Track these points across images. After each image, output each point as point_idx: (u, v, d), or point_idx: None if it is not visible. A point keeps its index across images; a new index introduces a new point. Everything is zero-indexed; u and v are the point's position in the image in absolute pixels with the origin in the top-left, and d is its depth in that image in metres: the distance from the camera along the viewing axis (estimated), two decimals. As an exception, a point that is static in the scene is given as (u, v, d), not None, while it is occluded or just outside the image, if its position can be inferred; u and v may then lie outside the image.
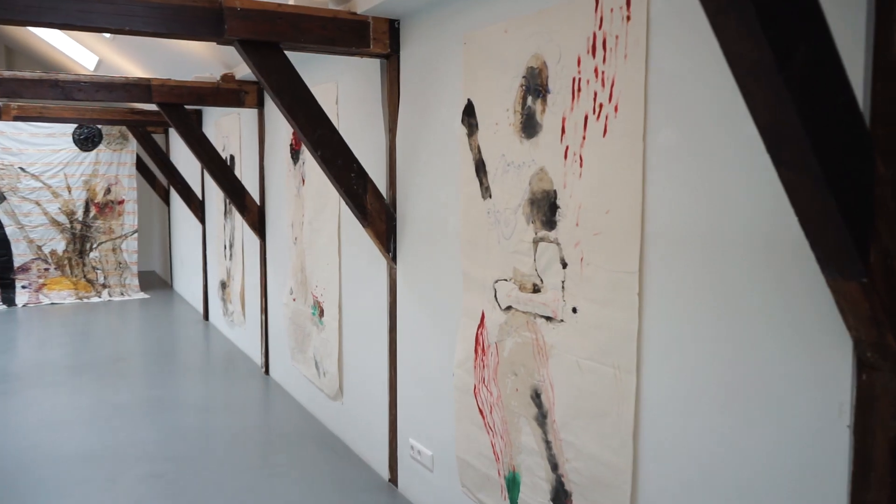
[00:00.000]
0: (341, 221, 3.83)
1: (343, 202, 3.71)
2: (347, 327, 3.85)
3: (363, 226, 3.18)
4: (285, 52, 2.91)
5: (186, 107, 5.04)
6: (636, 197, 1.88)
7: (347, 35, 2.96)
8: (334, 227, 3.88)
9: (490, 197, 2.50)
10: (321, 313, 4.15)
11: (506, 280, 2.44)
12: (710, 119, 1.70)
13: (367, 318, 3.58)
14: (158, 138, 8.64)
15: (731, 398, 1.68)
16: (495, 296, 2.50)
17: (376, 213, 3.17)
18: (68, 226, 8.46)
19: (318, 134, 2.99)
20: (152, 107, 6.33)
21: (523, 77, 2.29)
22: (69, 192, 8.42)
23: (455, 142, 2.70)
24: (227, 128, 5.98)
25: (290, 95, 2.92)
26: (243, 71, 4.73)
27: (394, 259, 3.24)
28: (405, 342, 3.22)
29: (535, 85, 2.24)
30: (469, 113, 2.59)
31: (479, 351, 2.60)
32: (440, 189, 2.84)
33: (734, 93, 1.62)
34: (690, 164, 1.75)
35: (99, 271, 8.63)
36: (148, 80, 4.65)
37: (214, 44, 4.68)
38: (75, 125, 8.15)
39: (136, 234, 8.82)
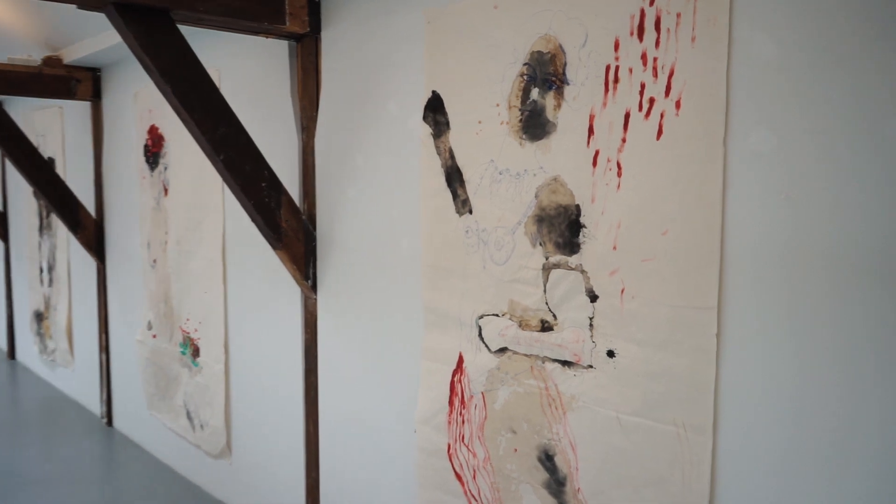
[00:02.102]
0: (227, 240, 3.12)
1: (228, 217, 3.04)
2: (238, 370, 3.15)
3: (275, 248, 2.54)
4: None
5: (-7, 97, 3.98)
6: (713, 215, 1.51)
7: (257, 7, 2.33)
8: (217, 247, 3.16)
9: (470, 213, 2.02)
10: (195, 353, 3.39)
11: (497, 315, 1.97)
12: (821, 118, 1.37)
13: (270, 360, 2.92)
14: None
15: (846, 465, 1.36)
16: (480, 334, 2.03)
17: (293, 232, 2.55)
18: None
19: (220, 132, 2.32)
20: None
21: (525, 64, 1.84)
22: None
23: (412, 144, 2.19)
24: (43, 125, 4.87)
25: (185, 81, 2.23)
26: (75, 54, 3.81)
27: (313, 288, 2.63)
28: (331, 390, 2.62)
29: (545, 74, 1.80)
30: (435, 108, 2.10)
31: (457, 403, 2.11)
32: (388, 202, 2.31)
33: (856, 85, 1.33)
34: (794, 175, 1.40)
35: None
36: (-58, 59, 3.57)
37: (33, 17, 3.73)
38: None
39: None
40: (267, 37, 2.55)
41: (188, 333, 3.43)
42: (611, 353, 1.71)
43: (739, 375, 1.50)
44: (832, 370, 1.38)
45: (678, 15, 1.54)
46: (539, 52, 1.81)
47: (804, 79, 1.38)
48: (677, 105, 1.55)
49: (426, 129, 2.12)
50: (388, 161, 2.30)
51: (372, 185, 2.36)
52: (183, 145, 3.28)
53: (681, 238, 1.56)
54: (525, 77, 1.85)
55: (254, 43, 2.75)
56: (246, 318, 3.06)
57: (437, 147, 2.10)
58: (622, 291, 1.68)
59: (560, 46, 1.77)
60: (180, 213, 3.40)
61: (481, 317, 2.02)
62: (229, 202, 3.04)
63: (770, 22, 1.42)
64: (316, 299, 2.64)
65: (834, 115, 1.35)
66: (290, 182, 2.64)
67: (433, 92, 2.10)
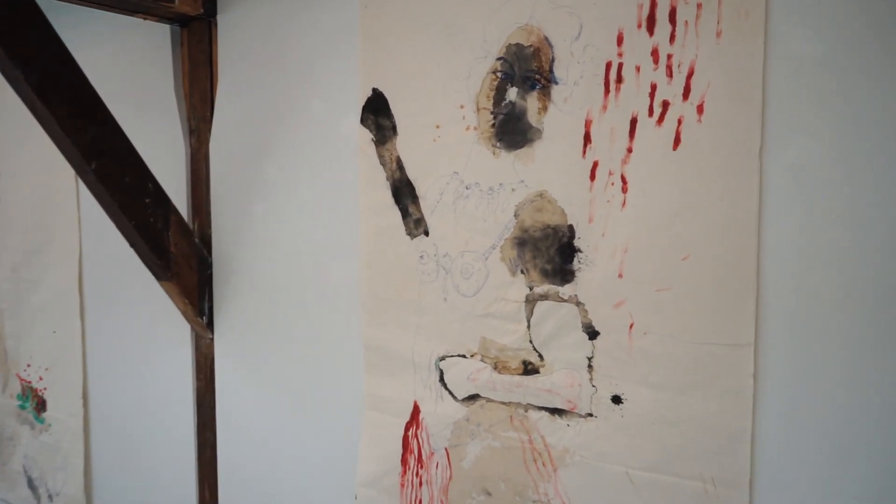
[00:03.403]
0: (84, 266, 2.55)
1: (86, 238, 2.48)
2: (102, 426, 2.57)
3: (160, 278, 2.06)
4: None
5: None
6: (748, 237, 1.30)
7: (139, -21, 1.86)
8: (70, 275, 2.57)
9: (426, 234, 1.70)
10: (40, 406, 2.75)
11: (464, 356, 1.66)
12: (873, 125, 1.20)
13: (150, 413, 2.39)
14: None
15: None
16: (442, 379, 1.70)
17: (184, 258, 2.07)
18: None
19: (91, 133, 1.82)
20: None
21: (499, 59, 1.56)
22: None
23: (346, 151, 1.82)
24: None
25: (43, 67, 1.71)
26: None
27: (209, 326, 2.16)
28: (233, 448, 2.17)
29: (527, 72, 1.52)
30: (377, 110, 1.75)
31: (412, 462, 1.77)
32: (312, 220, 1.92)
33: None
34: (842, 191, 1.23)
35: None
36: None
37: None
38: None
39: None
40: (146, 18, 2.06)
41: (29, 383, 2.78)
42: (616, 399, 1.46)
43: (780, 422, 1.31)
44: (891, 415, 1.21)
45: (699, 6, 1.33)
46: (518, 44, 1.53)
47: (854, 80, 1.21)
48: (699, 110, 1.34)
49: (366, 135, 1.77)
50: (311, 171, 1.91)
51: (289, 199, 1.96)
52: (22, 150, 2.66)
53: (706, 264, 1.35)
54: (499, 74, 1.56)
55: (124, 24, 2.23)
56: (114, 362, 2.50)
57: (381, 156, 1.75)
58: (631, 326, 1.43)
59: (546, 39, 1.50)
60: (17, 234, 2.75)
61: (443, 358, 1.70)
62: (88, 219, 2.48)
63: (815, 13, 1.24)
64: (212, 339, 2.18)
65: (889, 123, 1.19)
66: (177, 197, 2.16)
67: (374, 90, 1.75)
